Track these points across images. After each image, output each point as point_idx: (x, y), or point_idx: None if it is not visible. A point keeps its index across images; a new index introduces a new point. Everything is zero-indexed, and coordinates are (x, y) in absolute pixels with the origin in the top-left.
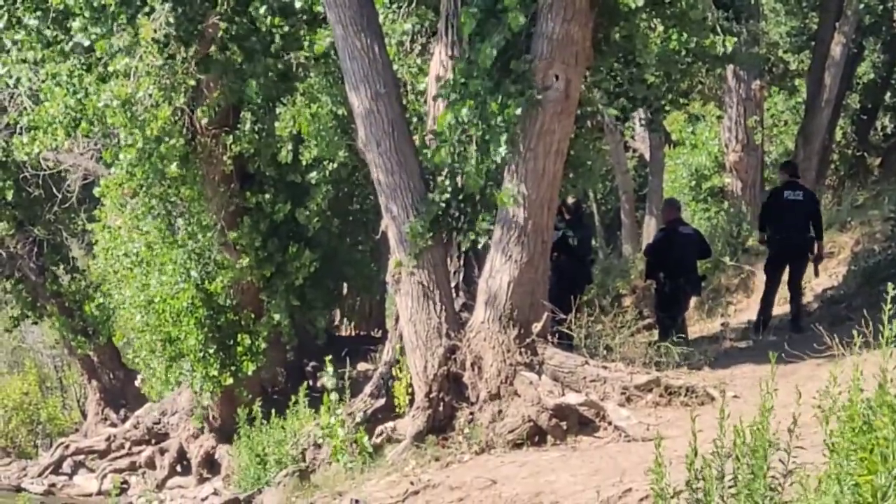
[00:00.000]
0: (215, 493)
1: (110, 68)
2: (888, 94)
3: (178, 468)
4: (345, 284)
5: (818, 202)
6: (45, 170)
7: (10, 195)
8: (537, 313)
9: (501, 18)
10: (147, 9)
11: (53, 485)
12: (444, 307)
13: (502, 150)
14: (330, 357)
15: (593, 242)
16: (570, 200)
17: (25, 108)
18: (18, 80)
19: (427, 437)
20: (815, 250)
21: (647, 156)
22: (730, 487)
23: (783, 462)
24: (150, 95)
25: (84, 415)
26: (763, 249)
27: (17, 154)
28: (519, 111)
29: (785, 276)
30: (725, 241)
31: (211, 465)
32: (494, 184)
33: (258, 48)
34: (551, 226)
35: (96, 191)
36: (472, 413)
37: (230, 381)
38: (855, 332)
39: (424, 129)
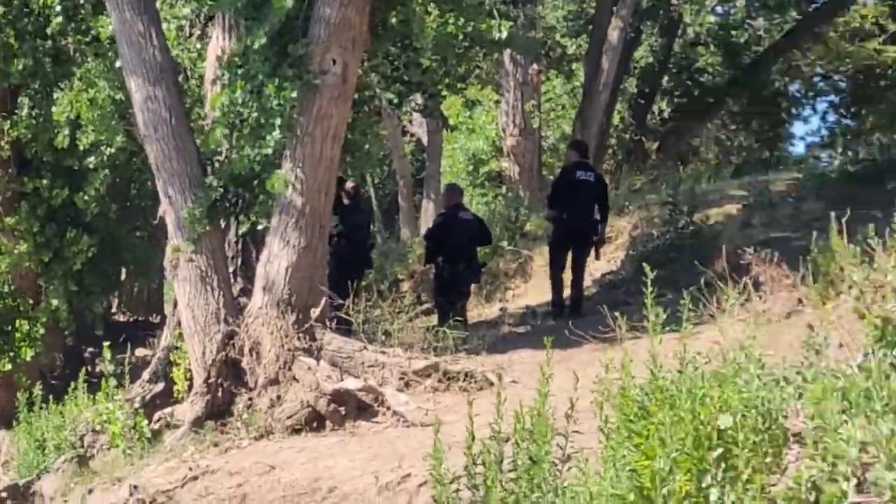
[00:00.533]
0: None
1: None
2: (665, 78)
3: None
4: (123, 270)
5: (606, 185)
6: None
7: None
8: (315, 298)
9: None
10: None
11: None
12: (222, 292)
13: (276, 133)
14: (108, 343)
15: (371, 227)
16: (349, 185)
17: None
18: None
19: (206, 423)
20: (599, 233)
21: (424, 140)
22: (509, 472)
23: (561, 447)
24: None
25: None
26: (541, 234)
27: None
28: (295, 94)
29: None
30: (503, 225)
31: None
32: (273, 169)
33: (30, 29)
34: (329, 210)
35: None
36: (250, 398)
37: (9, 366)
38: (619, 316)
39: (203, 115)
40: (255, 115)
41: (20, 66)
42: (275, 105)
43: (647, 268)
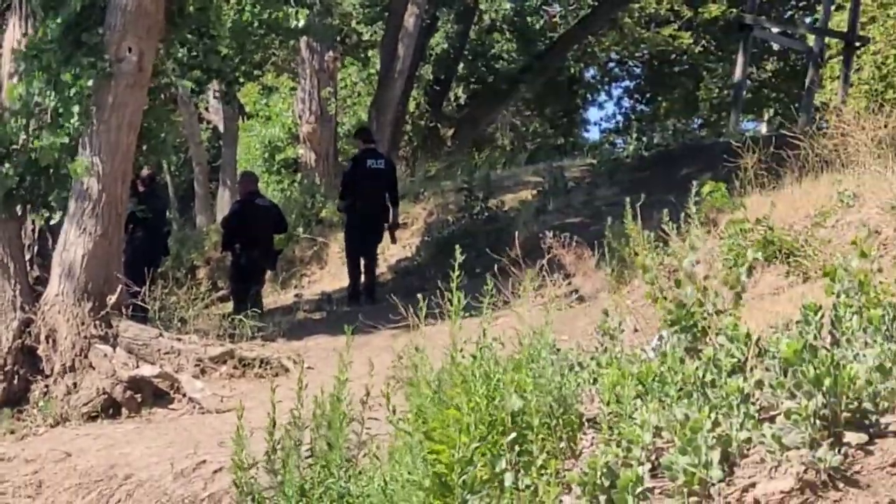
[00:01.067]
0: None
1: None
2: (461, 65)
3: None
4: None
5: (395, 169)
6: None
7: None
8: (112, 286)
9: None
10: None
11: None
12: (18, 280)
13: (74, 122)
14: None
15: (168, 214)
16: (145, 173)
17: None
18: None
19: (2, 411)
20: (391, 218)
21: (221, 127)
22: (307, 458)
23: (357, 433)
24: None
25: None
26: (337, 221)
27: None
28: (91, 83)
29: None
30: (299, 212)
31: None
32: (70, 157)
33: None
34: (126, 198)
35: None
36: (47, 386)
37: None
38: (421, 300)
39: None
40: (52, 104)
41: None
42: (72, 94)
43: (457, 250)
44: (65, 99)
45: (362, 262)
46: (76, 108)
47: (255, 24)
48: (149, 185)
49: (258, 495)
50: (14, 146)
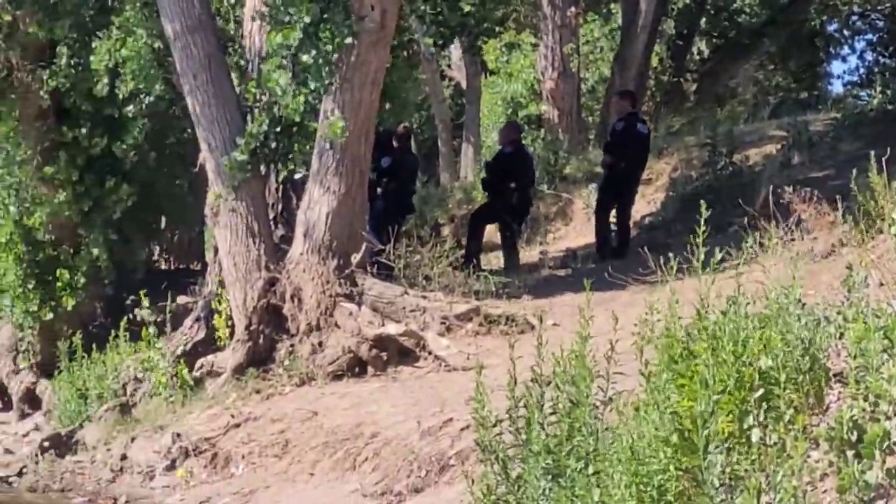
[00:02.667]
0: (37, 428)
1: None
2: (703, 19)
3: None
4: (163, 218)
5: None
6: None
7: None
8: (356, 244)
9: None
10: None
11: None
12: (262, 239)
13: (324, 79)
14: (149, 291)
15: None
16: (400, 129)
17: None
18: None
19: (247, 370)
20: None
21: (463, 84)
22: (550, 415)
23: (602, 389)
24: None
25: None
26: (581, 177)
27: None
28: (349, 40)
29: None
30: (543, 169)
31: (32, 400)
32: (312, 114)
33: None
34: (369, 156)
35: None
36: (292, 345)
37: (50, 316)
38: (667, 258)
39: (238, 61)
40: (307, 59)
41: (65, 29)
42: (329, 50)
43: (702, 205)
44: (320, 55)
45: (616, 219)
46: (326, 68)
47: None
48: (404, 143)
49: (502, 454)
50: (257, 104)
